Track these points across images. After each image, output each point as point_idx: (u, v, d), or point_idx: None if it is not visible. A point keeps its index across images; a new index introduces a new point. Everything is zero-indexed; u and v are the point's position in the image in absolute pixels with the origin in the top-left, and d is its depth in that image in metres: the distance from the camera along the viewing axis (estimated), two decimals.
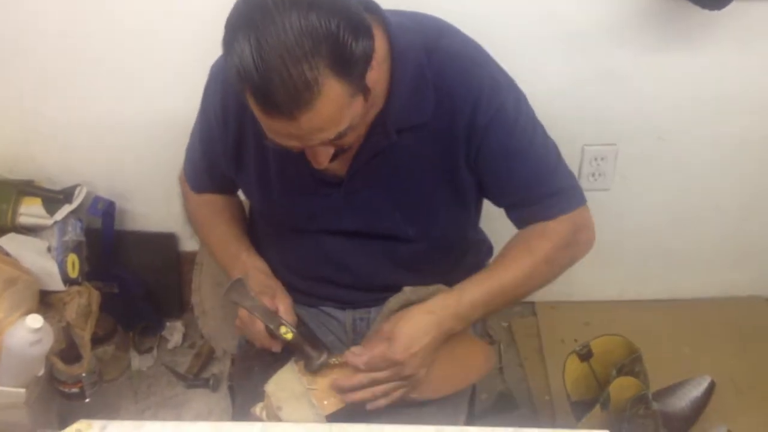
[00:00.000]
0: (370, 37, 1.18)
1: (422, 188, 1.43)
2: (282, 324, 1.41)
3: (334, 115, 1.17)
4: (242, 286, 1.43)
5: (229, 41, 1.13)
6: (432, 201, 1.45)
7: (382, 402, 1.37)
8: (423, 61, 1.33)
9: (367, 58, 1.18)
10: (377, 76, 1.24)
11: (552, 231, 1.42)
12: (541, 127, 1.44)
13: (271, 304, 1.45)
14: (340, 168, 1.40)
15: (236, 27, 1.12)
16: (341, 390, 1.36)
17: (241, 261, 1.55)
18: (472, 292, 1.38)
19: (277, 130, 1.19)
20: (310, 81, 1.10)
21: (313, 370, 1.38)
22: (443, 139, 1.37)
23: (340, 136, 1.21)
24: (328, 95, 1.13)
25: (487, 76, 1.37)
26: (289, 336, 1.40)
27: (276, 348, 1.45)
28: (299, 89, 1.10)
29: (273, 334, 1.42)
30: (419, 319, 1.36)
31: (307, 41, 1.09)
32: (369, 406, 1.37)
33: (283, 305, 1.46)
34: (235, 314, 1.53)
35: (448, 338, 1.42)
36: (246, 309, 1.43)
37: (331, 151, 1.27)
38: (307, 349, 1.39)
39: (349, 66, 1.14)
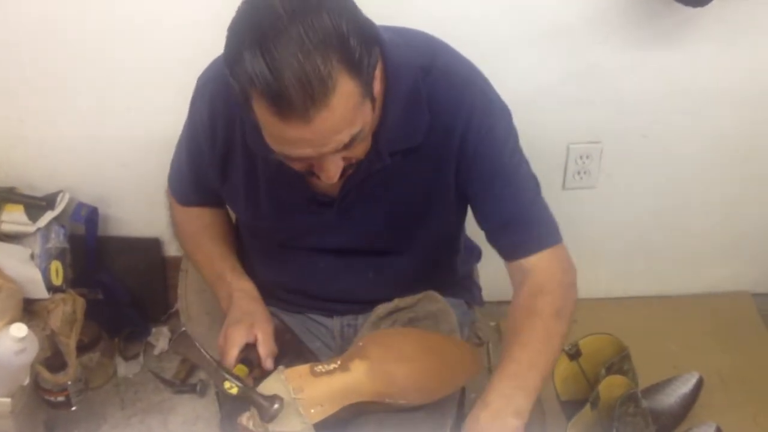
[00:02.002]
0: (376, 44, 1.17)
1: (414, 206, 1.42)
2: (226, 379, 1.33)
3: (348, 114, 1.14)
4: (187, 338, 1.40)
5: (235, 46, 1.11)
6: (424, 216, 1.44)
7: None
8: (418, 82, 1.32)
9: (374, 65, 1.17)
10: (377, 90, 1.23)
11: (546, 284, 1.38)
12: (527, 161, 1.43)
13: (248, 333, 1.42)
14: (332, 188, 1.38)
15: (243, 29, 1.11)
16: None
17: (225, 282, 1.53)
18: (496, 388, 1.31)
19: (289, 137, 1.15)
20: (324, 76, 1.08)
21: (266, 420, 1.31)
22: (437, 158, 1.37)
23: (353, 140, 1.18)
24: (342, 91, 1.11)
25: (481, 95, 1.36)
26: (234, 391, 1.32)
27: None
28: (313, 84, 1.08)
29: (218, 388, 1.36)
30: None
31: (319, 37, 1.07)
32: None
33: (262, 334, 1.43)
34: (221, 320, 1.52)
35: (435, 342, 1.41)
36: (193, 362, 1.40)
37: (341, 164, 1.24)
38: (258, 400, 1.31)
39: (360, 67, 1.13)
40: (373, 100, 1.20)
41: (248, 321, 1.45)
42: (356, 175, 1.35)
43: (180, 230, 1.67)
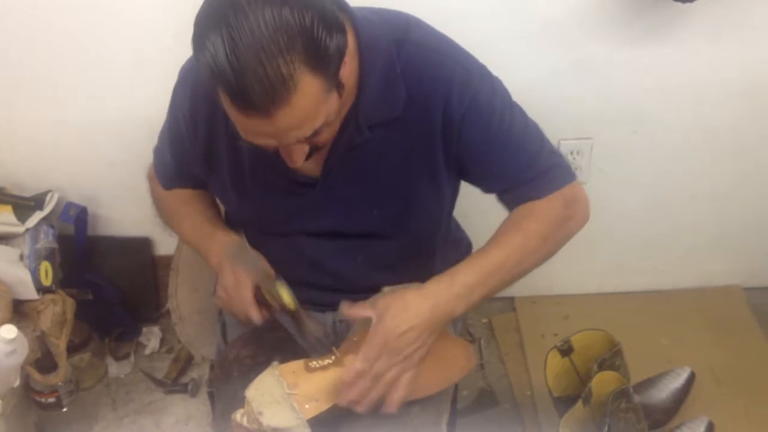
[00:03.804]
0: (343, 32, 1.17)
1: (398, 183, 1.42)
2: (282, 286, 1.40)
3: (310, 111, 1.15)
4: (242, 245, 1.42)
5: (200, 38, 1.11)
6: (408, 195, 1.44)
7: (398, 394, 1.35)
8: (393, 55, 1.32)
9: (341, 54, 1.17)
10: (349, 71, 1.23)
11: (542, 208, 1.41)
12: (520, 109, 1.43)
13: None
14: (314, 167, 1.38)
15: (207, 23, 1.10)
16: (350, 402, 1.34)
17: (216, 238, 1.52)
18: (465, 273, 1.36)
19: (252, 129, 1.18)
20: (285, 77, 1.09)
21: (308, 341, 1.39)
22: (418, 133, 1.36)
23: (316, 133, 1.20)
24: (305, 91, 1.12)
25: (458, 66, 1.35)
26: (285, 297, 1.39)
27: (258, 319, 1.42)
28: (275, 86, 1.09)
29: (262, 302, 1.40)
30: (409, 301, 1.33)
31: (282, 37, 1.07)
32: (385, 408, 1.35)
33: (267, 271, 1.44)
34: (213, 319, 1.51)
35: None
36: (247, 269, 1.40)
37: (306, 149, 1.26)
38: (304, 318, 1.39)
39: (325, 61, 1.13)
40: (340, 87, 1.21)
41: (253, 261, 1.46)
42: (337, 151, 1.36)
43: (164, 207, 1.65)
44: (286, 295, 1.39)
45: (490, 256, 1.38)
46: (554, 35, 1.95)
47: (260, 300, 1.43)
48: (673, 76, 2.05)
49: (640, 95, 2.08)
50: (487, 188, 1.47)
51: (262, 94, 1.09)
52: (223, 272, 1.46)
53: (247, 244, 1.43)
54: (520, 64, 1.98)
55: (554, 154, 1.45)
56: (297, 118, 1.15)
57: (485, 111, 1.36)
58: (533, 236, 1.39)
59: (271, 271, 1.43)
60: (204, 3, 1.13)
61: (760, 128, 2.17)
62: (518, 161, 1.40)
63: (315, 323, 1.39)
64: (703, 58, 2.02)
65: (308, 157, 1.28)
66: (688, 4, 1.81)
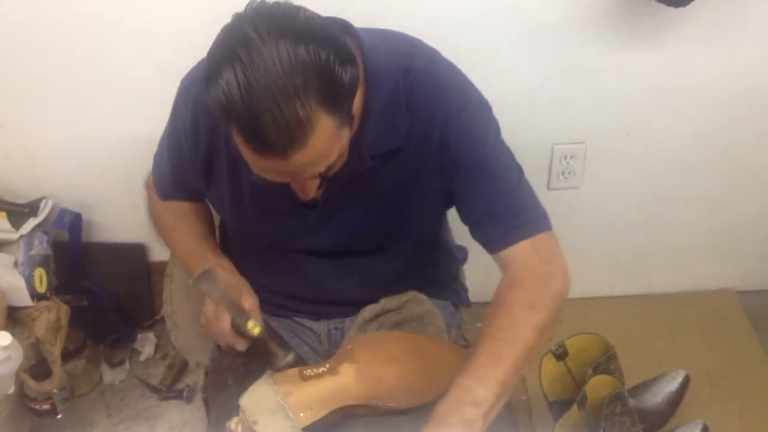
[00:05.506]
0: (356, 64, 1.16)
1: (398, 206, 1.42)
2: (249, 319, 1.38)
3: (325, 149, 1.14)
4: (211, 276, 1.40)
5: (212, 75, 1.09)
6: (409, 219, 1.44)
7: None
8: (398, 84, 1.32)
9: (354, 87, 1.16)
10: (357, 102, 1.22)
11: (521, 276, 1.33)
12: (509, 152, 1.41)
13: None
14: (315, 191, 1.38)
15: (220, 59, 1.08)
16: None
17: (206, 259, 1.52)
18: (457, 381, 1.25)
19: (266, 168, 1.16)
20: (302, 119, 1.07)
21: (277, 369, 1.35)
22: (418, 160, 1.36)
23: (330, 168, 1.19)
24: (321, 131, 1.10)
25: (456, 93, 1.35)
26: (257, 331, 1.37)
27: (241, 346, 1.43)
28: (292, 128, 1.07)
29: (239, 331, 1.40)
30: None
31: (298, 76, 1.05)
32: None
33: (249, 303, 1.44)
34: None
35: (423, 345, 1.40)
36: (213, 300, 1.39)
37: (317, 182, 1.26)
38: (273, 347, 1.36)
39: (340, 98, 1.12)
40: (351, 119, 1.20)
41: (236, 290, 1.45)
42: (338, 178, 1.35)
43: (158, 217, 1.66)
44: (251, 325, 1.39)
45: (480, 349, 1.28)
46: (546, 40, 1.95)
47: (237, 329, 1.43)
48: (666, 80, 2.05)
49: (633, 99, 2.08)
50: (465, 216, 1.42)
51: (278, 136, 1.07)
52: (205, 300, 1.47)
53: (217, 275, 1.41)
54: (513, 70, 1.98)
55: (533, 199, 1.40)
56: (313, 157, 1.13)
57: (477, 139, 1.35)
58: (520, 307, 1.29)
59: (242, 303, 1.43)
60: (216, 38, 1.12)
61: (752, 131, 2.17)
62: (497, 192, 1.36)
63: (282, 349, 1.37)
64: (696, 61, 2.02)
65: (318, 186, 1.28)
66: (680, 9, 1.82)
